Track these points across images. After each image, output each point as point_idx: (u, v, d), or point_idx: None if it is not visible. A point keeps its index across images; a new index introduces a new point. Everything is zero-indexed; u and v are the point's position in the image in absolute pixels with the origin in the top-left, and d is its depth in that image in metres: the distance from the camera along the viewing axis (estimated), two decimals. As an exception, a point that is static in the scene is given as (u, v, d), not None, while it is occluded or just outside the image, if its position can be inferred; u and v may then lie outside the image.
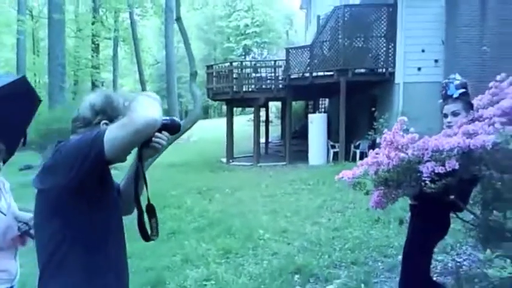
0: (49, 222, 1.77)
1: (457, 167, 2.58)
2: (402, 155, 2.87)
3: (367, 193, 3.10)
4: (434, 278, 3.92)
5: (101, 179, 1.79)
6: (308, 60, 14.90)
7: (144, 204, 1.92)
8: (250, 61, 20.69)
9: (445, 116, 3.17)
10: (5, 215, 2.48)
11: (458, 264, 4.53)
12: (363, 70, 14.17)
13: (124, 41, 35.88)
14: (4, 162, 2.58)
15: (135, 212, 1.95)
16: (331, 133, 15.74)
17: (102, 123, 1.84)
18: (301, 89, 15.61)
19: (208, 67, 18.77)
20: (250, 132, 17.59)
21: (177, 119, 1.90)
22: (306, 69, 14.88)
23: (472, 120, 2.93)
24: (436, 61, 12.18)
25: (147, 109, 1.64)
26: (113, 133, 1.61)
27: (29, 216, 2.53)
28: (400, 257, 4.06)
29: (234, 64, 18.76)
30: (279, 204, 8.51)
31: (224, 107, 30.89)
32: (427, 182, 2.70)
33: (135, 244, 3.08)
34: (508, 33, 9.98)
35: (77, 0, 33.69)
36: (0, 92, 2.47)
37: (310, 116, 16.45)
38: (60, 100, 19.10)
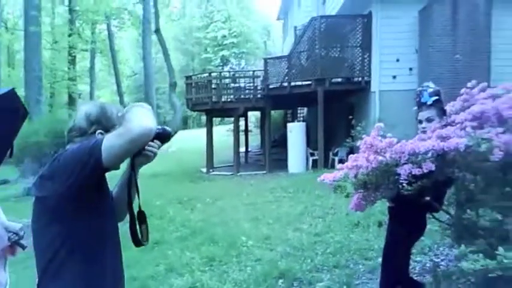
0: (47, 229, 1.82)
1: (433, 168, 2.72)
2: (380, 158, 3.00)
3: (347, 196, 3.22)
4: (414, 278, 4.06)
5: (98, 186, 1.87)
6: (286, 70, 15.08)
7: (135, 211, 1.99)
8: (229, 71, 20.84)
9: (420, 122, 3.33)
10: None
11: (435, 263, 4.69)
12: (339, 79, 14.41)
13: (101, 53, 35.80)
14: None
15: (125, 219, 2.03)
16: (310, 141, 15.93)
17: (97, 132, 1.91)
18: (279, 98, 15.78)
19: (187, 78, 18.81)
20: (230, 142, 17.68)
21: (168, 128, 1.99)
22: (284, 79, 15.06)
23: (445, 125, 3.09)
24: (410, 69, 12.46)
25: (142, 119, 1.72)
26: (110, 142, 1.69)
27: (18, 226, 2.57)
28: (380, 259, 4.21)
29: (213, 74, 18.86)
30: (261, 211, 8.59)
31: (203, 118, 30.91)
32: (404, 184, 2.84)
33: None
34: (478, 42, 10.33)
35: (53, 13, 33.44)
36: None
37: (289, 125, 16.63)
38: (37, 113, 18.93)
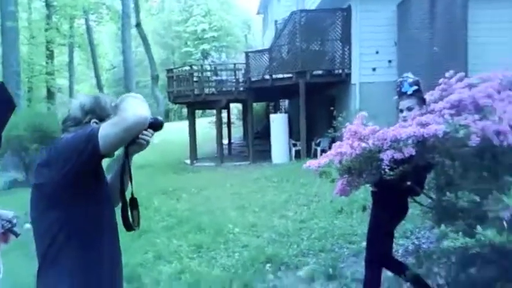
0: (45, 215, 1.89)
1: (413, 153, 2.88)
2: (364, 144, 3.16)
3: (332, 181, 3.36)
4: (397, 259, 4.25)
5: (95, 173, 1.95)
6: (267, 63, 15.21)
7: (128, 197, 2.08)
8: (210, 64, 20.84)
9: (401, 111, 3.48)
10: None
11: (417, 245, 4.90)
12: (320, 72, 14.59)
13: (80, 47, 35.37)
14: None
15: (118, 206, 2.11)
16: (293, 132, 16.13)
17: (92, 121, 2.00)
18: (261, 90, 15.91)
19: (169, 71, 18.80)
20: (212, 134, 17.75)
21: (160, 117, 2.06)
22: (265, 72, 15.19)
23: (425, 114, 3.26)
24: (389, 61, 12.69)
25: (137, 108, 1.81)
26: (106, 130, 1.76)
27: (11, 214, 2.64)
28: (364, 244, 4.39)
29: (195, 67, 18.90)
30: (246, 200, 8.75)
31: (184, 110, 30.83)
32: (387, 170, 3.01)
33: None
34: (455, 35, 10.57)
35: (30, 8, 32.89)
36: None
37: (271, 116, 16.80)
38: (16, 107, 18.69)
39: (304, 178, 9.59)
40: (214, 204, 8.63)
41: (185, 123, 18.86)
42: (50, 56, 32.50)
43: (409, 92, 3.44)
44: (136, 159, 2.15)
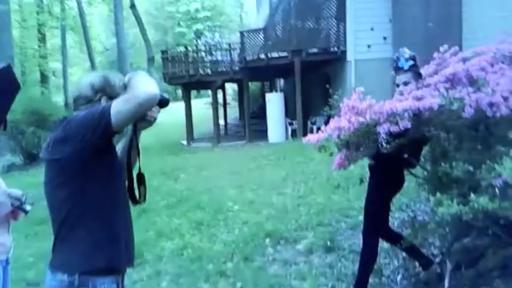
0: (61, 189, 1.96)
1: (409, 126, 2.96)
2: (361, 119, 3.23)
3: (331, 154, 3.44)
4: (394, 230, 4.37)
5: (108, 148, 2.01)
6: (262, 42, 15.18)
7: (135, 173, 2.16)
8: (205, 45, 20.74)
9: (397, 85, 3.55)
10: None
11: (413, 217, 5.02)
12: (315, 50, 14.58)
13: (72, 30, 35.03)
14: None
15: None
16: (288, 111, 16.18)
17: (102, 99, 2.05)
18: (257, 70, 15.90)
19: (163, 52, 18.73)
20: (208, 115, 17.79)
21: (166, 94, 2.11)
22: (260, 51, 15.17)
23: (421, 88, 3.34)
24: (384, 38, 12.69)
25: (148, 85, 1.87)
26: (118, 107, 1.83)
27: (20, 192, 2.73)
28: (361, 217, 4.51)
29: (189, 48, 18.81)
30: (244, 179, 8.85)
31: (179, 91, 30.75)
32: (383, 143, 3.09)
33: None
34: (450, 10, 10.60)
35: (20, -10, 32.46)
36: None
37: (267, 95, 16.84)
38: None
39: (301, 156, 9.70)
40: (213, 183, 8.72)
41: (180, 105, 18.86)
42: (43, 39, 32.26)
43: (405, 67, 3.51)
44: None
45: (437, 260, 3.90)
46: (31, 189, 2.76)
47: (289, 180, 8.18)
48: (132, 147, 2.15)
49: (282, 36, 14.95)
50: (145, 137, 2.23)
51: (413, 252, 3.79)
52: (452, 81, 3.24)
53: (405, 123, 2.95)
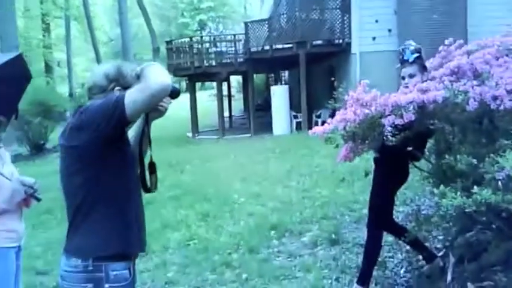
0: (77, 175, 2.01)
1: (413, 118, 2.98)
2: (366, 111, 3.25)
3: (337, 146, 3.46)
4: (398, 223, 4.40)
5: (121, 137, 2.05)
6: (267, 34, 15.16)
7: (147, 162, 2.20)
8: (209, 36, 20.73)
9: (403, 78, 3.56)
10: (10, 180, 2.70)
11: (417, 210, 5.05)
12: (320, 42, 14.57)
13: (76, 20, 35.03)
14: None
15: None
16: (293, 104, 16.18)
17: (115, 89, 2.09)
18: (262, 62, 15.89)
19: (168, 43, 18.71)
20: (213, 107, 17.81)
21: (176, 85, 2.21)
22: (265, 43, 15.15)
23: (426, 81, 3.35)
24: (389, 30, 12.66)
25: (160, 76, 1.90)
26: (132, 97, 1.87)
27: (33, 180, 2.78)
28: (365, 211, 4.54)
29: (194, 39, 18.81)
30: (249, 171, 8.90)
31: (182, 83, 30.76)
32: (389, 136, 3.12)
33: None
34: (455, 2, 10.56)
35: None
36: (4, 69, 2.72)
37: (272, 88, 16.85)
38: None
39: (306, 149, 9.73)
40: (218, 175, 8.78)
41: (184, 97, 18.86)
42: (47, 29, 32.28)
43: (410, 60, 3.51)
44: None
45: (440, 253, 3.93)
46: (37, 179, 2.79)
47: (294, 173, 8.22)
48: (144, 136, 2.19)
49: (286, 27, 14.92)
50: (151, 129, 2.27)
51: (417, 245, 3.82)
52: (457, 74, 3.24)
53: (409, 116, 2.96)
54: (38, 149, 15.37)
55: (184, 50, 17.44)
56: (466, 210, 2.65)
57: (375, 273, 3.71)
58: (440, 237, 4.30)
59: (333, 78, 11.02)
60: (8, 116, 2.85)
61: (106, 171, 2.00)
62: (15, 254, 2.73)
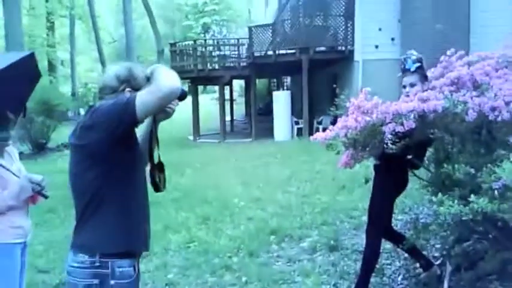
0: (87, 173, 2.06)
1: (413, 126, 3.02)
2: (368, 118, 3.30)
3: (338, 153, 3.51)
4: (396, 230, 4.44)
5: (131, 137, 2.12)
6: (271, 39, 15.23)
7: (155, 162, 2.27)
8: (213, 39, 20.80)
9: (404, 87, 3.61)
10: (18, 177, 2.75)
11: (415, 219, 5.08)
12: (323, 48, 14.63)
13: (80, 19, 35.09)
14: None
15: None
16: (295, 110, 16.23)
17: (126, 90, 2.14)
18: (264, 66, 15.94)
19: (172, 45, 18.73)
20: (215, 111, 17.84)
21: (184, 88, 2.25)
22: (268, 48, 15.22)
23: (427, 90, 3.40)
24: (392, 39, 12.70)
25: (170, 78, 1.97)
26: (143, 98, 1.92)
27: (40, 177, 2.82)
28: (364, 218, 4.58)
29: (198, 42, 18.86)
30: (250, 176, 8.95)
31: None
32: (389, 143, 3.16)
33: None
34: (458, 12, 10.63)
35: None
36: (17, 67, 2.77)
37: (275, 93, 16.89)
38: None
39: (307, 155, 9.79)
40: (219, 179, 8.82)
41: (186, 100, 18.91)
42: (51, 28, 32.32)
43: (412, 69, 3.56)
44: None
45: (437, 262, 3.97)
46: (42, 177, 2.84)
47: (294, 179, 8.27)
48: (153, 136, 2.26)
49: (290, 33, 14.99)
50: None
51: (414, 253, 3.86)
52: (457, 84, 3.30)
53: (410, 124, 3.01)
54: (39, 147, 15.41)
55: (188, 53, 17.51)
56: (463, 218, 2.70)
57: (372, 279, 3.74)
58: (438, 246, 4.34)
59: (334, 85, 11.06)
60: (17, 114, 2.90)
61: (115, 169, 2.06)
62: (21, 251, 2.77)
